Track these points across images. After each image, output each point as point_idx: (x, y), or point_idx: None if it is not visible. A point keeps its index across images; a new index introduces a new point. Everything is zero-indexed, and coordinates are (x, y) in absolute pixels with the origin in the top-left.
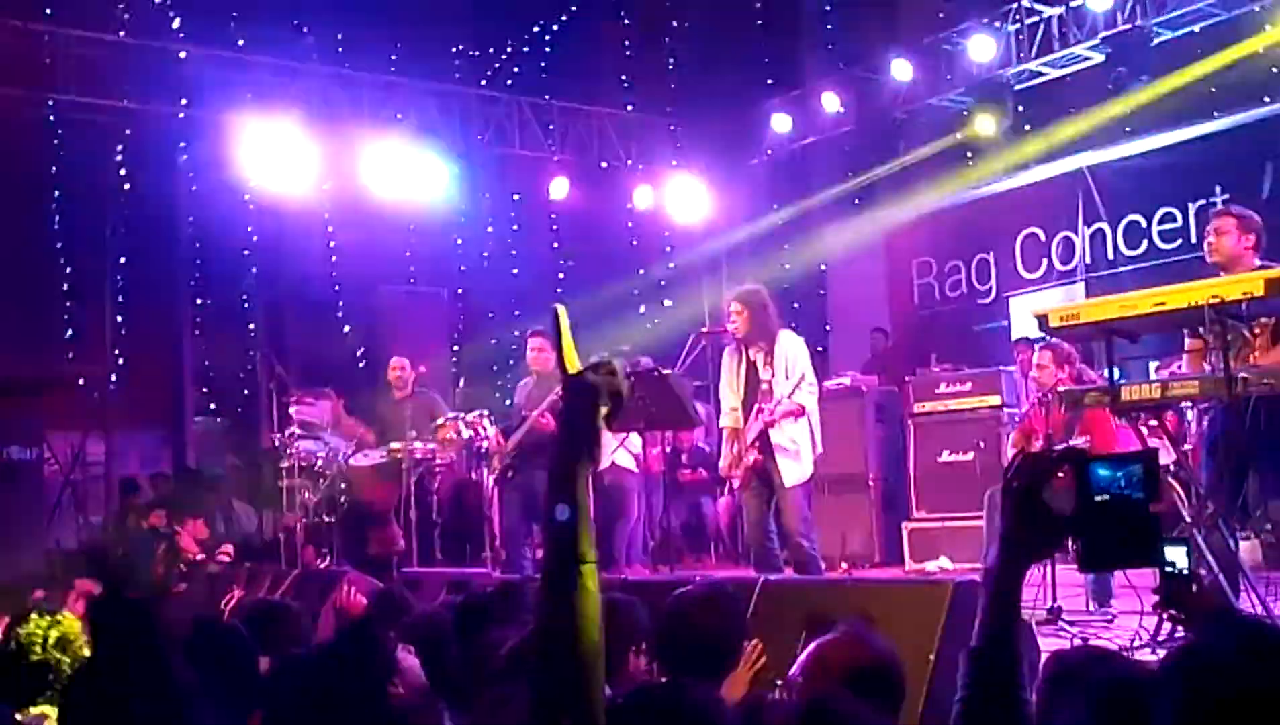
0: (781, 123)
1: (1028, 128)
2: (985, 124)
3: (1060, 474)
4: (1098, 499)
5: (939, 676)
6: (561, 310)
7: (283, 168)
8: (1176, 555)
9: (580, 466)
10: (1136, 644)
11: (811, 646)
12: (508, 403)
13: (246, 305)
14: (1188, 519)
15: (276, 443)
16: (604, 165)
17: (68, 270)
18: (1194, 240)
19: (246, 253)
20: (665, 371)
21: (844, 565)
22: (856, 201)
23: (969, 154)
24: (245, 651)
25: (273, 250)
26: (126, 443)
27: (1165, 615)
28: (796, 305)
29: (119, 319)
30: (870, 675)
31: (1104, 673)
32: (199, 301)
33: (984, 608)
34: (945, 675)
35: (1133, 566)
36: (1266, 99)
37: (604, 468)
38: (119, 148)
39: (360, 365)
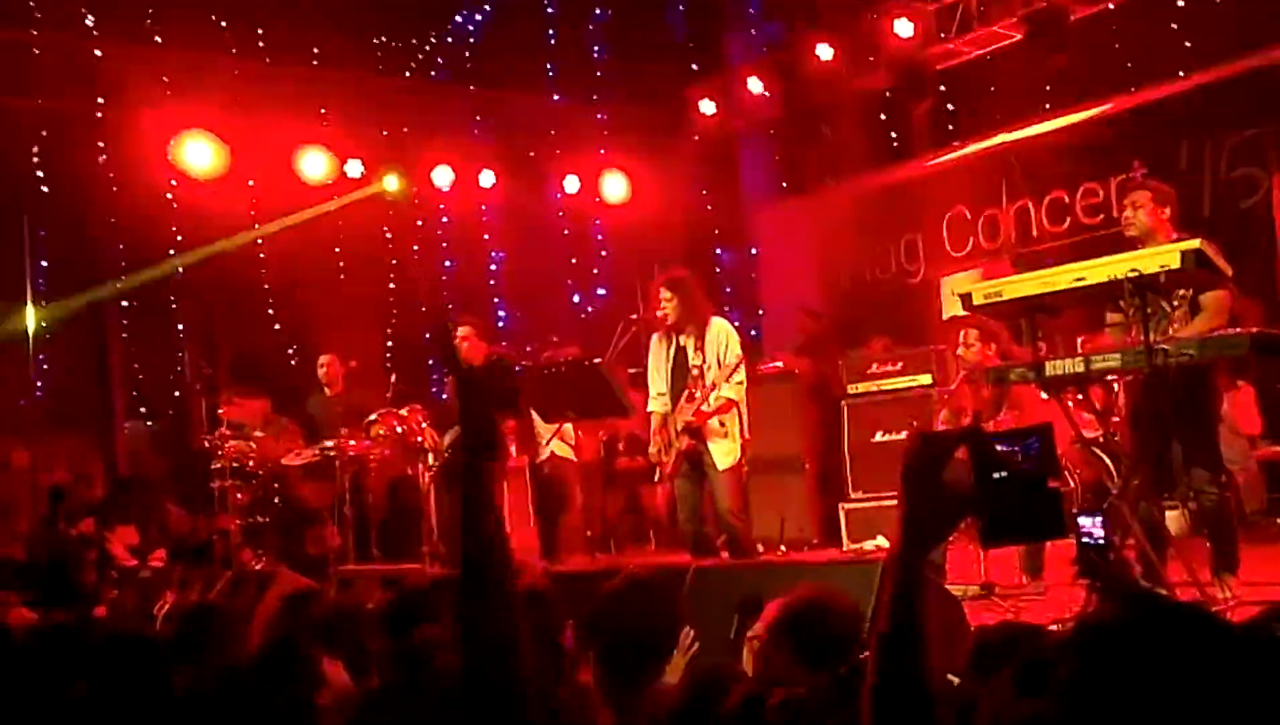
0: (708, 106)
1: (950, 107)
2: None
3: (957, 453)
4: (995, 476)
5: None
6: (451, 324)
7: (205, 164)
8: (1092, 525)
9: (482, 461)
10: (1069, 616)
11: (778, 603)
12: (443, 397)
13: (174, 305)
14: (1114, 491)
15: (207, 444)
16: (531, 154)
17: None
18: (1116, 214)
19: (171, 252)
20: (595, 360)
21: (782, 548)
22: (784, 185)
23: (894, 134)
24: (159, 665)
25: (197, 248)
26: (53, 449)
27: (1085, 585)
28: (728, 289)
29: (43, 324)
30: (832, 625)
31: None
32: (124, 303)
33: (888, 592)
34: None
35: (1033, 540)
36: (1181, 73)
37: (543, 458)
38: (35, 149)
39: (291, 363)
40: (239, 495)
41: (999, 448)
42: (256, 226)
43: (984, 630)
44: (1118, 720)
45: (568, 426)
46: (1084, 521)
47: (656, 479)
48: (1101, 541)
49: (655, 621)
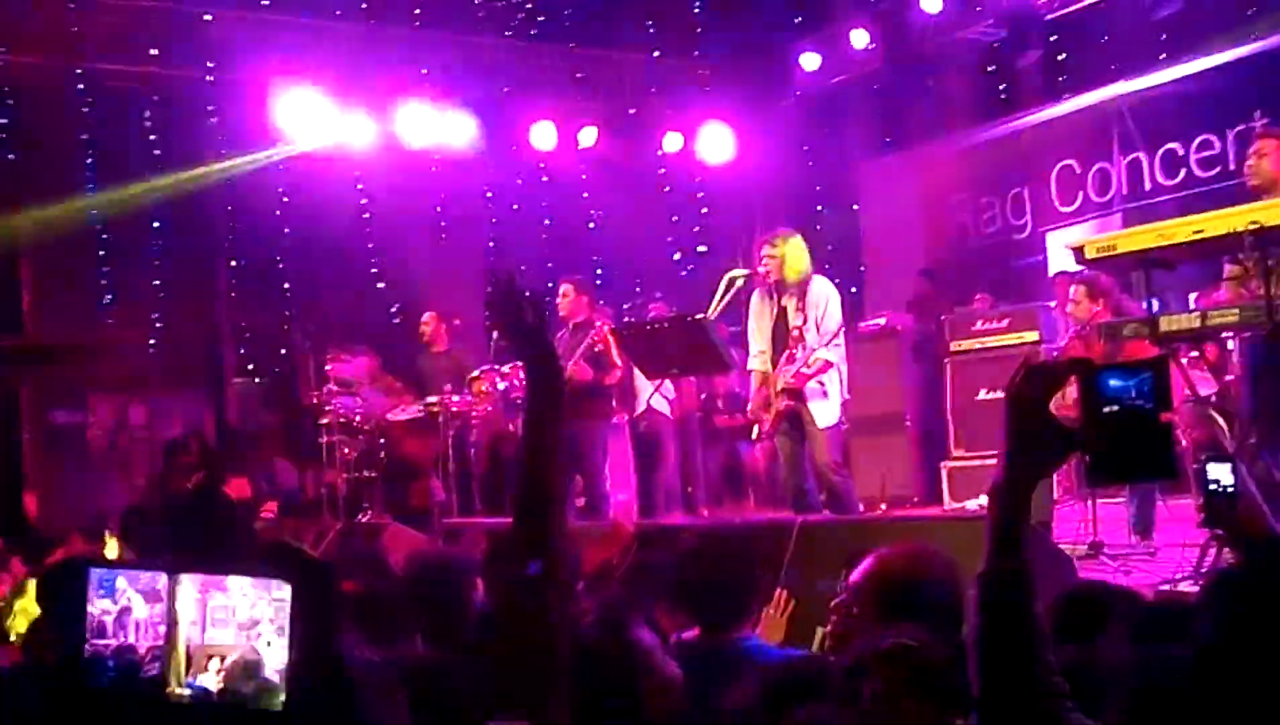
0: (810, 62)
1: (1060, 58)
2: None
3: (1067, 384)
4: (1106, 410)
5: None
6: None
7: (311, 127)
8: (1221, 473)
9: (549, 409)
10: (1179, 577)
11: (872, 557)
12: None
13: (280, 265)
14: (1230, 450)
15: (315, 400)
16: (632, 112)
17: (103, 236)
18: (1233, 167)
19: (278, 213)
20: (699, 316)
21: (883, 506)
22: (888, 140)
23: (1002, 87)
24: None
25: (304, 210)
26: (168, 405)
27: (1209, 535)
28: (830, 247)
29: (156, 283)
30: (926, 589)
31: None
32: (233, 263)
33: (991, 528)
34: None
35: (1143, 480)
36: None
37: (639, 412)
38: (147, 114)
39: (395, 321)
40: (346, 450)
41: (1111, 381)
42: (359, 186)
43: (1068, 590)
44: (1268, 663)
45: (667, 383)
46: (1212, 468)
47: (755, 437)
48: (1231, 489)
49: (736, 575)
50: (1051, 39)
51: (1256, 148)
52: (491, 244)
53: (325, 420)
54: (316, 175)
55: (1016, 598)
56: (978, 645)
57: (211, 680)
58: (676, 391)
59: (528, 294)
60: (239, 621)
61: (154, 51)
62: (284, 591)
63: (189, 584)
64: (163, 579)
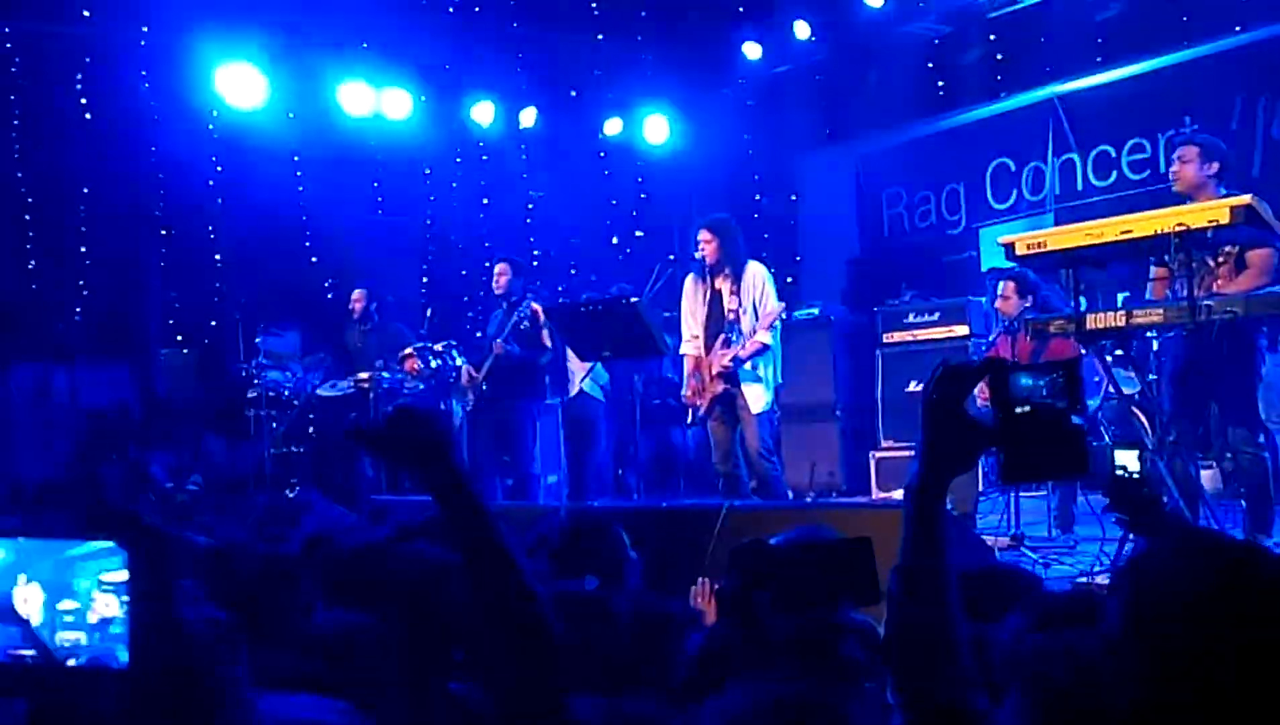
0: (753, 51)
1: (999, 57)
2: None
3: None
4: (1019, 410)
5: None
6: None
7: (246, 93)
8: (1128, 459)
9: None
10: (1097, 569)
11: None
12: (479, 334)
13: (212, 236)
14: (1150, 448)
15: (244, 373)
16: (573, 94)
17: (29, 200)
18: (1163, 170)
19: (211, 183)
20: (633, 299)
21: (811, 494)
22: (828, 131)
23: (941, 83)
24: None
25: (238, 180)
26: (93, 374)
27: (1115, 519)
28: (767, 235)
29: (83, 249)
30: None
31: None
32: (164, 232)
33: (907, 523)
34: None
35: (1057, 478)
36: (1238, 28)
37: (572, 397)
38: (79, 76)
39: (328, 296)
40: (274, 424)
41: (1022, 381)
42: (295, 158)
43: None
44: (1170, 652)
45: (600, 366)
46: (1120, 455)
47: (689, 421)
48: (1137, 476)
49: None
50: (991, 38)
51: (1180, 153)
52: (429, 221)
53: (254, 394)
54: (251, 145)
55: (932, 591)
56: (893, 637)
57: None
58: (612, 375)
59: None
60: (89, 624)
61: (86, 13)
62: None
63: (34, 589)
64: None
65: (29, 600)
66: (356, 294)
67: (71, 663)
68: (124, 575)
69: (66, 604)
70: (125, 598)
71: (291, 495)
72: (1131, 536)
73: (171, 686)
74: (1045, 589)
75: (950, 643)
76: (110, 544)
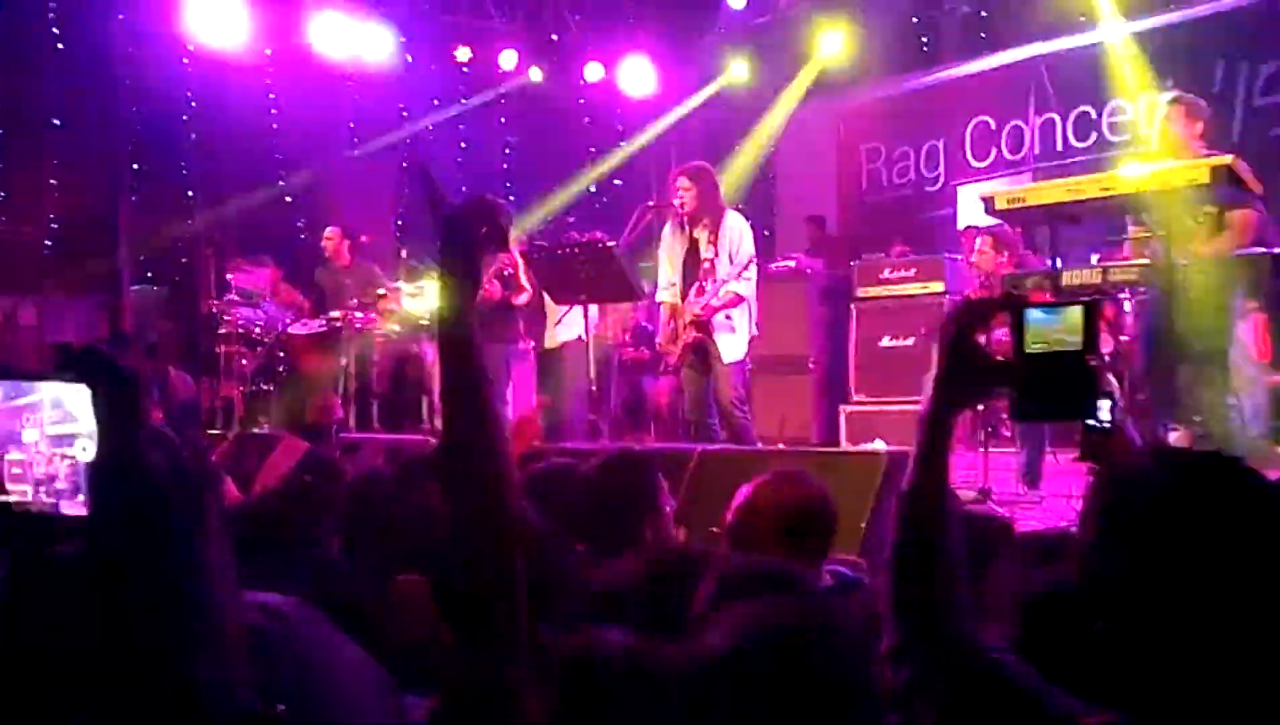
0: (737, 0)
1: (984, 15)
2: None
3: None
4: (1033, 347)
5: (872, 544)
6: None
7: (223, 29)
8: (1100, 407)
9: (467, 318)
10: (1064, 524)
11: (744, 489)
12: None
13: (185, 171)
14: (1121, 407)
15: (214, 309)
16: (554, 38)
17: (1, 133)
18: (1143, 132)
19: (185, 118)
20: (609, 243)
21: (781, 446)
22: (809, 83)
23: (924, 39)
24: None
25: (212, 115)
26: (60, 307)
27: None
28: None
29: (53, 182)
30: (801, 513)
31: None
32: (136, 166)
33: (916, 450)
34: (878, 543)
35: (1064, 418)
36: None
37: (549, 340)
38: (51, 5)
39: (301, 235)
40: (244, 362)
41: (1039, 318)
42: (271, 95)
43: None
44: (1143, 549)
45: (576, 310)
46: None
47: (662, 370)
48: (1108, 426)
49: (621, 504)
50: None
51: (1165, 114)
52: (405, 164)
53: (224, 330)
54: (226, 81)
55: (935, 518)
56: (896, 557)
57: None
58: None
59: (483, 198)
60: (35, 476)
61: None
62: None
63: None
64: None
65: None
66: (329, 232)
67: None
68: (68, 428)
69: (14, 455)
70: (70, 450)
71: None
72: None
73: (129, 535)
74: (1018, 533)
75: (950, 569)
76: (55, 395)
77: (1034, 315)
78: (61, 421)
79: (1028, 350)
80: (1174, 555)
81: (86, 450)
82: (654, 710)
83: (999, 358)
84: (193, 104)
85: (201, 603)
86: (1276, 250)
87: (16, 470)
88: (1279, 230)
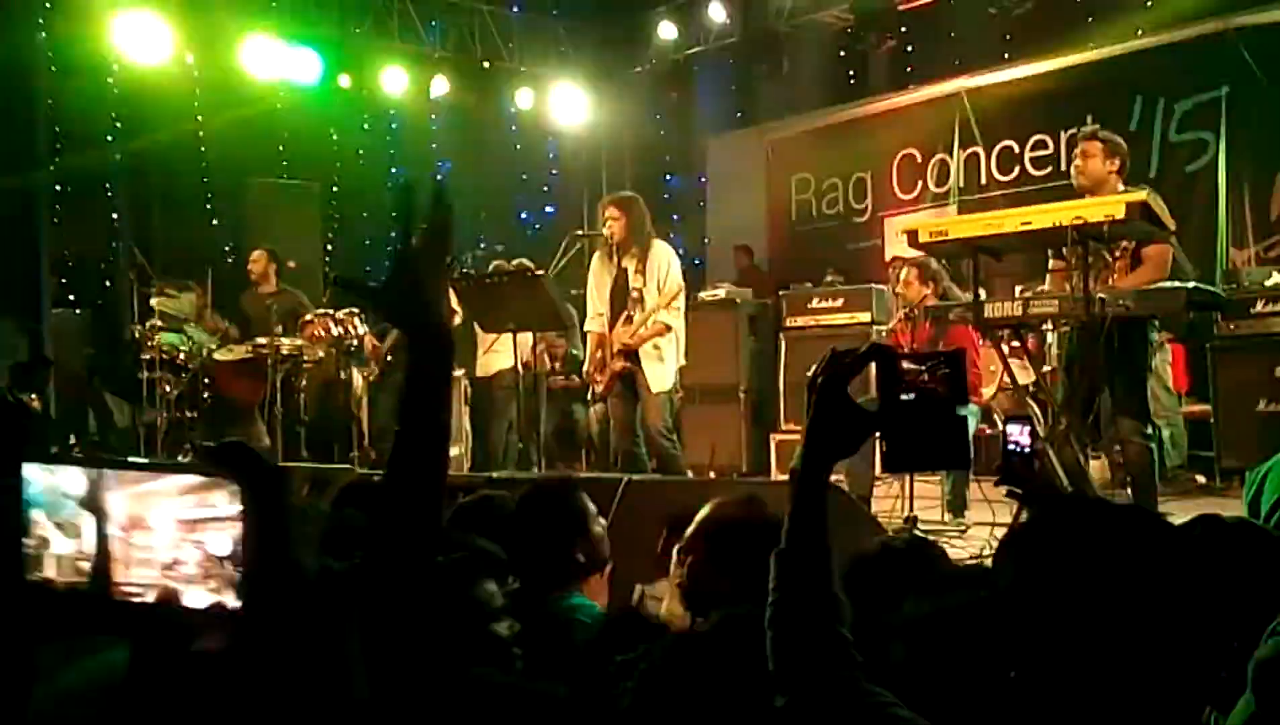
0: (668, 31)
1: (909, 49)
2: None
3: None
4: (903, 397)
5: None
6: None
7: (150, 47)
8: (1019, 433)
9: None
10: (986, 553)
11: (708, 507)
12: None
13: (109, 193)
14: (1042, 436)
15: (137, 335)
16: (486, 65)
17: None
18: (1064, 167)
19: (110, 139)
20: (538, 272)
21: (711, 474)
22: (739, 114)
23: (851, 73)
24: None
25: (138, 136)
26: None
27: (1006, 493)
28: (675, 217)
29: None
30: (760, 534)
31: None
32: (58, 187)
33: (791, 506)
34: None
35: (938, 468)
36: (1140, 32)
37: (478, 369)
38: None
39: (228, 260)
40: (168, 388)
41: (907, 367)
42: (199, 117)
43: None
44: (1055, 616)
45: (505, 338)
46: (1011, 429)
47: (590, 398)
48: (1028, 450)
49: (553, 536)
50: (903, 30)
51: (1083, 149)
52: (334, 188)
53: (147, 356)
54: (153, 102)
55: (813, 576)
56: (776, 618)
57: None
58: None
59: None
60: (162, 562)
61: None
62: (218, 534)
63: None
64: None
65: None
66: (256, 255)
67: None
68: (197, 513)
69: (140, 538)
70: (199, 537)
71: (184, 460)
72: (1024, 512)
73: (284, 633)
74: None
75: (831, 626)
76: (186, 479)
77: (902, 365)
78: (196, 507)
79: (898, 400)
80: (1092, 608)
81: (219, 541)
82: None
83: (865, 408)
84: (117, 124)
85: (343, 694)
86: (1190, 284)
87: (142, 554)
88: (1192, 264)
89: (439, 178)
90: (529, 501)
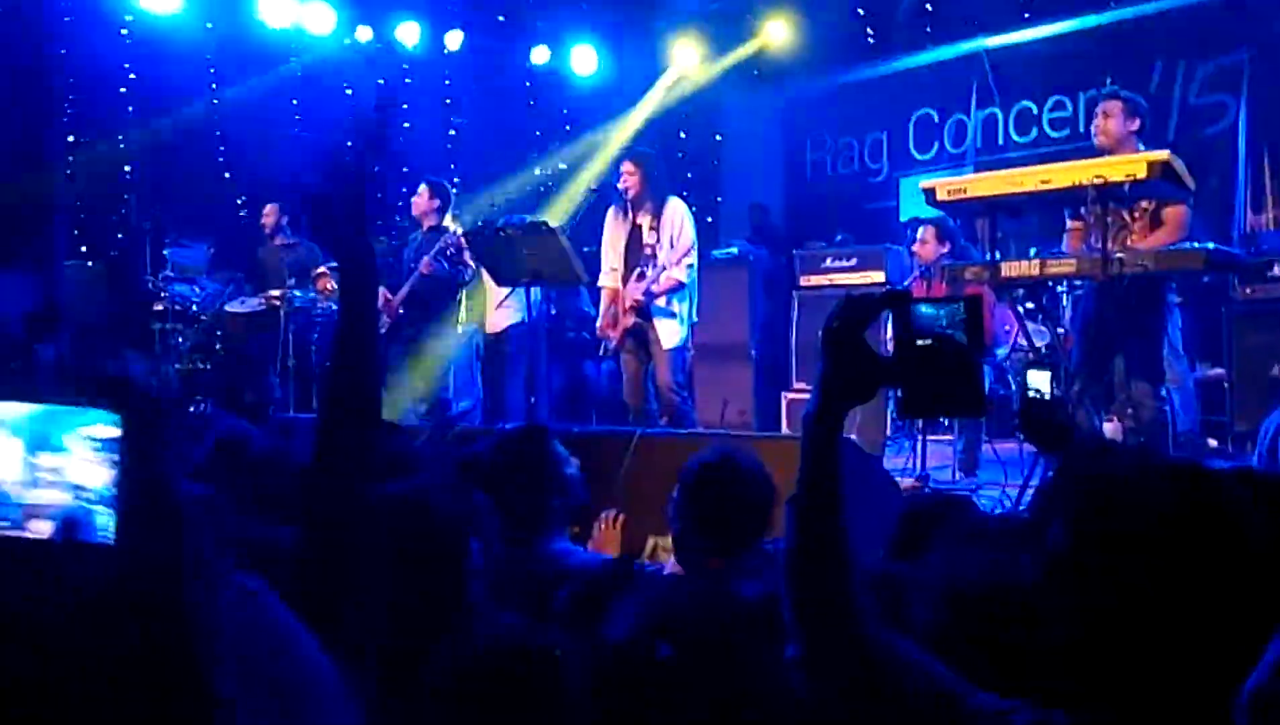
0: None
1: (929, 8)
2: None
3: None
4: (919, 343)
5: None
6: None
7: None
8: (1040, 380)
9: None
10: (998, 512)
11: (689, 464)
12: (391, 259)
13: (122, 145)
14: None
15: (150, 286)
16: (501, 19)
17: None
18: (1082, 129)
19: (123, 90)
20: (553, 225)
21: (722, 430)
22: (756, 72)
23: (870, 31)
24: None
25: (152, 89)
26: None
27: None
28: (690, 174)
29: None
30: (745, 482)
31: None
32: (71, 139)
33: (802, 453)
34: None
35: (954, 415)
36: None
37: (491, 322)
38: None
39: (242, 212)
40: (180, 339)
41: (923, 313)
42: (213, 70)
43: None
44: (1125, 572)
45: (518, 291)
46: (1032, 376)
47: (601, 353)
48: (1048, 397)
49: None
50: None
51: (1104, 108)
52: (349, 143)
53: (160, 307)
54: (167, 53)
55: (826, 520)
56: (788, 566)
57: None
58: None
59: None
60: (71, 482)
61: None
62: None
63: (11, 440)
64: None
65: (7, 455)
66: (268, 209)
67: (45, 527)
68: (111, 432)
69: (47, 459)
70: (112, 461)
71: (196, 411)
72: (1042, 460)
73: (158, 567)
74: (972, 513)
75: (844, 573)
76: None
77: (918, 311)
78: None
79: (913, 346)
80: (1158, 572)
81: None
82: None
83: (880, 354)
84: (131, 75)
85: (216, 627)
86: (1210, 245)
87: (50, 476)
88: (1206, 227)
89: (382, 83)
90: (500, 450)
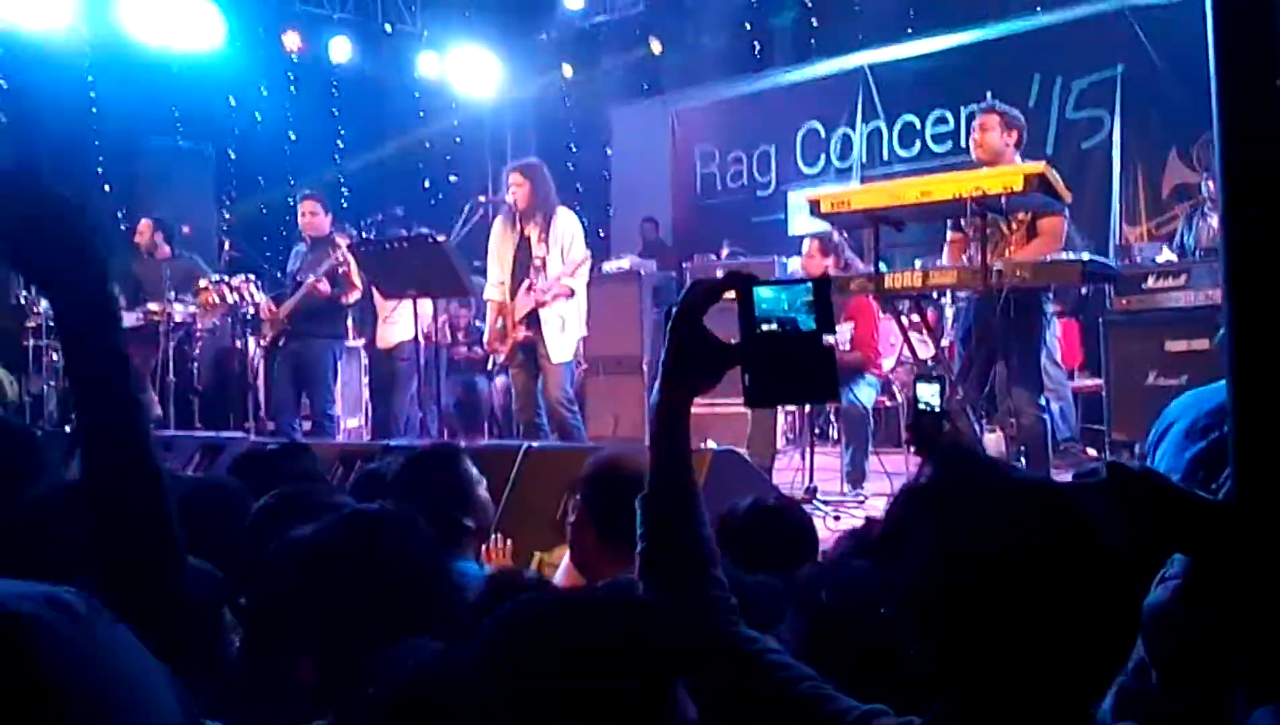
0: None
1: (814, 23)
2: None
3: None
4: (764, 328)
5: None
6: None
7: (37, 8)
8: (929, 393)
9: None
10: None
11: (589, 463)
12: (279, 273)
13: None
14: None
15: (23, 301)
16: (388, 29)
17: None
18: (963, 143)
19: None
20: (439, 237)
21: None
22: (645, 86)
23: (756, 45)
24: None
25: (24, 98)
26: None
27: (913, 451)
28: (579, 187)
29: None
30: (628, 488)
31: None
32: None
33: (652, 447)
34: None
35: (805, 402)
36: (1039, 9)
37: (380, 338)
38: None
39: (121, 226)
40: (54, 356)
41: (765, 295)
42: (90, 78)
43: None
44: (986, 594)
45: (405, 309)
46: (922, 389)
47: (490, 367)
48: (938, 410)
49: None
50: (807, 3)
51: (981, 122)
52: (232, 155)
53: (32, 323)
54: (42, 63)
55: (679, 516)
56: (642, 567)
57: None
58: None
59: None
60: None
61: None
62: None
63: None
64: None
65: None
66: (142, 225)
67: None
68: None
69: None
70: None
71: (69, 429)
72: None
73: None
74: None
75: (703, 566)
76: None
77: (763, 293)
78: None
79: (758, 331)
80: (1013, 590)
81: None
82: None
83: (724, 341)
84: (3, 85)
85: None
86: (1085, 256)
87: None
88: (1084, 239)
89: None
90: (412, 467)
